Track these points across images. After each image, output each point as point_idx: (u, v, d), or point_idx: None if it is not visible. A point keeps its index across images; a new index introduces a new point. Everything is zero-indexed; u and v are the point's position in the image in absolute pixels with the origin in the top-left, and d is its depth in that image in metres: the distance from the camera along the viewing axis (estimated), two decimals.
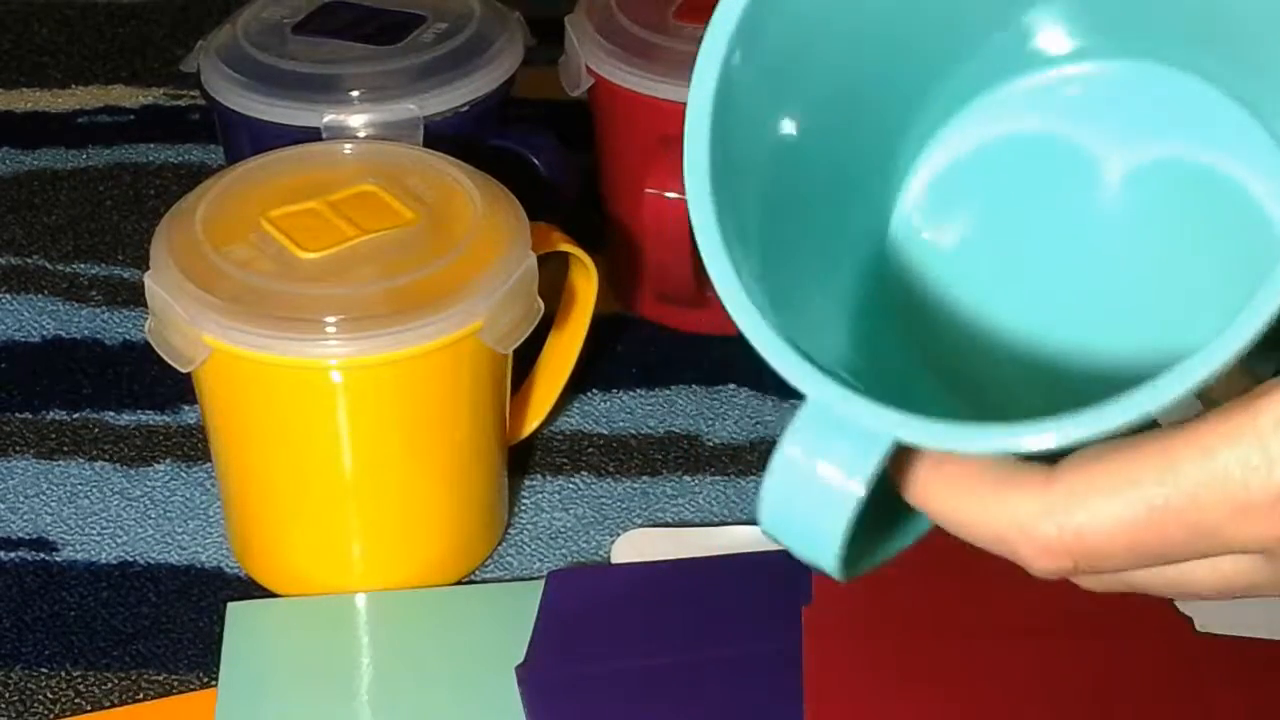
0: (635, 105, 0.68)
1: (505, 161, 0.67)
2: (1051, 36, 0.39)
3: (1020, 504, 0.35)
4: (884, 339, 0.39)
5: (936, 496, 0.36)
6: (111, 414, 0.68)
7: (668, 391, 0.70)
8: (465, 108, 0.67)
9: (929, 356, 0.39)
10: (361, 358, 0.54)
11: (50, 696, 0.57)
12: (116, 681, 0.57)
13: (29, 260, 0.76)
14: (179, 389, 0.67)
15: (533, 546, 0.63)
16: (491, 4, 0.71)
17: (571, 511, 0.64)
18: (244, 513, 0.60)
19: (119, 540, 0.63)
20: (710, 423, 0.68)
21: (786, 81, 0.36)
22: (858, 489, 0.34)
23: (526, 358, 0.65)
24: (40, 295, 0.74)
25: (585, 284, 0.64)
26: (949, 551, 0.60)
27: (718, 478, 0.65)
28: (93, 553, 0.62)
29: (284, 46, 0.68)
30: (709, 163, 0.35)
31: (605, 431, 0.68)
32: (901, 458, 0.36)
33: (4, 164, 0.83)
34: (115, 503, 0.64)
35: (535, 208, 0.59)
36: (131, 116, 0.86)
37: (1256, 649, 0.56)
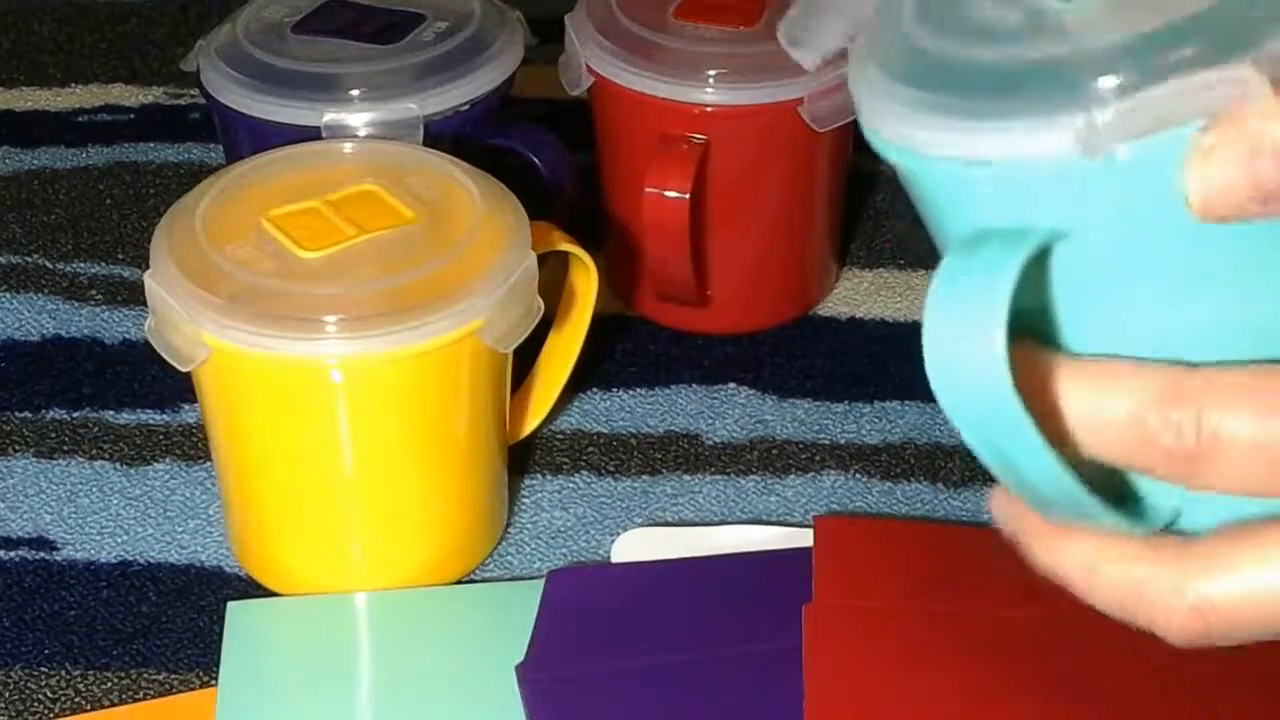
0: (635, 104, 0.68)
1: (505, 161, 0.67)
2: None
3: (1155, 574, 0.37)
4: None
5: (1066, 564, 0.38)
6: (111, 413, 0.68)
7: (668, 391, 0.70)
8: (465, 107, 0.67)
9: None
10: (361, 357, 0.54)
11: (50, 696, 0.57)
12: (116, 681, 0.57)
13: (29, 259, 0.76)
14: (179, 388, 0.67)
15: (533, 546, 0.63)
16: (492, 3, 0.71)
17: (571, 511, 0.64)
18: (244, 512, 0.60)
19: (119, 540, 0.63)
20: (710, 422, 0.68)
21: None
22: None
23: (526, 357, 0.65)
24: (40, 294, 0.74)
25: (585, 284, 0.64)
26: (948, 553, 0.60)
27: (718, 477, 0.65)
28: (93, 552, 0.62)
29: (284, 46, 0.68)
30: None
31: (605, 431, 0.68)
32: (1034, 526, 0.38)
33: (4, 163, 0.83)
34: (115, 502, 0.64)
35: (535, 207, 0.59)
36: (131, 115, 0.86)
37: (1257, 649, 0.56)
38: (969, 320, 0.35)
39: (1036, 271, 0.36)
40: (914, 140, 0.36)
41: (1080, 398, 0.37)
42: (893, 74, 0.37)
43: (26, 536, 0.63)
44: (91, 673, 0.57)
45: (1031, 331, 0.38)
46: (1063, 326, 0.38)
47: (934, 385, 0.36)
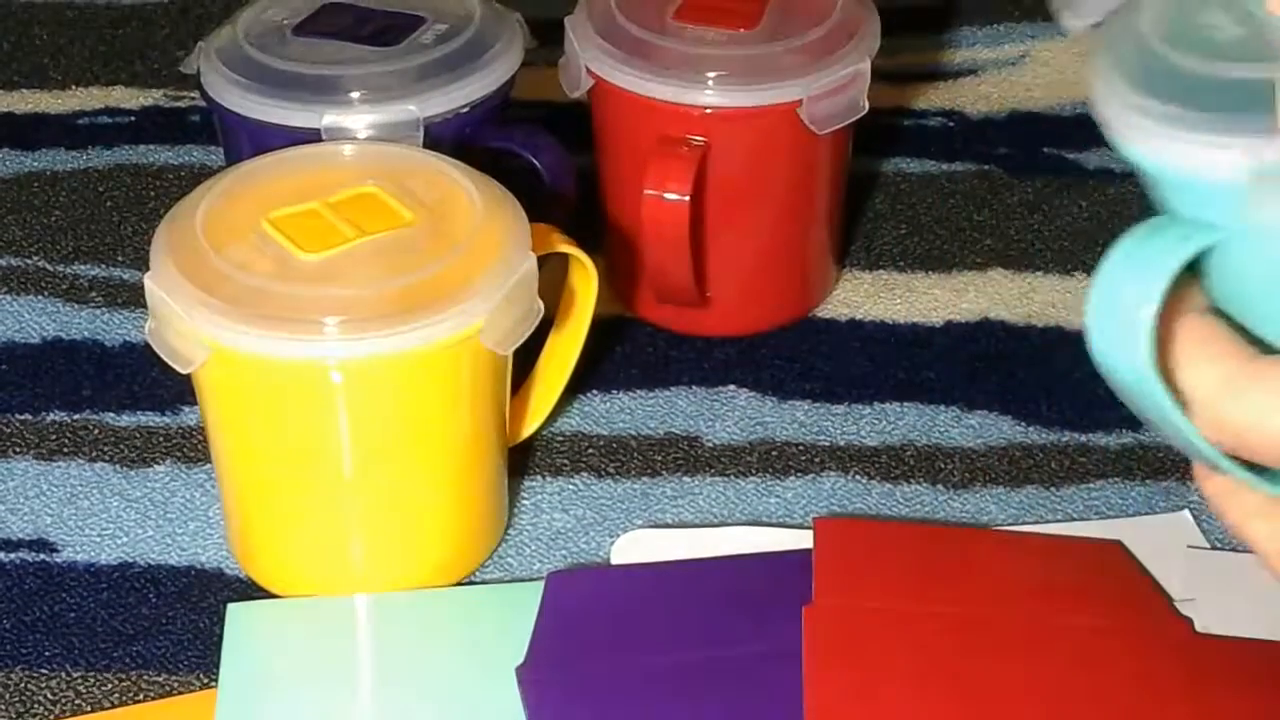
0: (635, 106, 0.68)
1: (505, 163, 0.67)
2: None
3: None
4: None
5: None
6: (111, 415, 0.68)
7: (668, 392, 0.70)
8: (465, 109, 0.67)
9: None
10: (361, 358, 0.54)
11: (50, 697, 0.57)
12: (116, 682, 0.57)
13: (29, 261, 0.76)
14: (179, 390, 0.67)
15: (533, 547, 0.63)
16: (491, 5, 0.71)
17: (571, 512, 0.64)
18: (244, 513, 0.60)
19: (119, 541, 0.63)
20: (710, 423, 0.68)
21: None
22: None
23: (526, 358, 0.65)
24: (40, 296, 0.74)
25: (585, 284, 0.65)
26: (948, 554, 0.60)
27: (718, 478, 0.65)
28: (93, 553, 0.62)
29: (284, 48, 0.68)
30: None
31: (605, 432, 0.68)
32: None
33: (4, 164, 0.83)
34: (115, 503, 0.64)
35: (535, 209, 0.60)
36: (132, 118, 0.86)
37: (1256, 649, 0.56)
38: (1129, 292, 0.40)
39: (1227, 259, 0.41)
40: (1143, 145, 0.40)
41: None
42: (1137, 85, 0.40)
43: (27, 538, 0.63)
44: (92, 674, 0.58)
45: (1228, 310, 0.42)
46: (1252, 315, 0.42)
47: (1090, 338, 0.41)
